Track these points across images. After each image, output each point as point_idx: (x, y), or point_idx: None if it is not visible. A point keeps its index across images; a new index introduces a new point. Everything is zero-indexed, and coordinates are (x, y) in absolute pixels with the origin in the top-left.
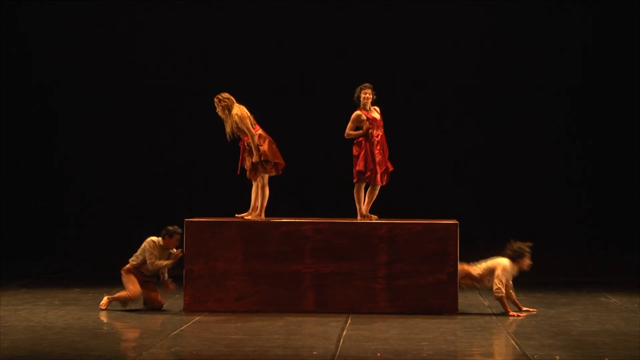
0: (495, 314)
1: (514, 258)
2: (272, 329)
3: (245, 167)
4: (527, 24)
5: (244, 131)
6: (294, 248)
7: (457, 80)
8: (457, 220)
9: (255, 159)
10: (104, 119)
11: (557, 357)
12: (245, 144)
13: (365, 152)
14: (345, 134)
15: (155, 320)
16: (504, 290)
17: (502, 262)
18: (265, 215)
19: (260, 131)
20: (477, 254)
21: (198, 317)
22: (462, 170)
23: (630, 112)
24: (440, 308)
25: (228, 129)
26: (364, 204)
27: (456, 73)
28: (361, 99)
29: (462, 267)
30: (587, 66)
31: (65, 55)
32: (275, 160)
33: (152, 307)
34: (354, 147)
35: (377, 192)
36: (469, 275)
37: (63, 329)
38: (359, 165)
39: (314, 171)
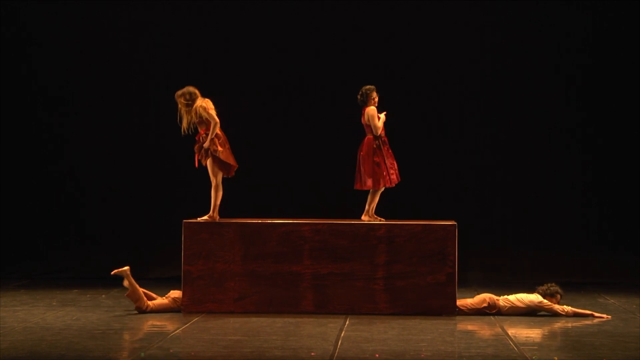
0: (494, 315)
1: (544, 295)
2: (271, 330)
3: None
4: (530, 24)
5: (203, 123)
6: (292, 249)
7: (455, 80)
8: (458, 221)
9: (206, 144)
10: (103, 119)
11: (556, 358)
12: (202, 137)
13: (382, 158)
14: (376, 132)
15: (154, 321)
16: (564, 308)
17: (534, 295)
18: (263, 217)
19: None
20: (476, 255)
21: (196, 318)
22: (461, 170)
23: (634, 113)
24: (439, 309)
25: (185, 124)
26: (371, 206)
27: (455, 73)
28: (370, 100)
29: (489, 296)
30: (585, 66)
31: (61, 55)
32: (228, 162)
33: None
34: (368, 155)
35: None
36: (493, 304)
37: (61, 329)
38: (380, 175)
39: (312, 172)
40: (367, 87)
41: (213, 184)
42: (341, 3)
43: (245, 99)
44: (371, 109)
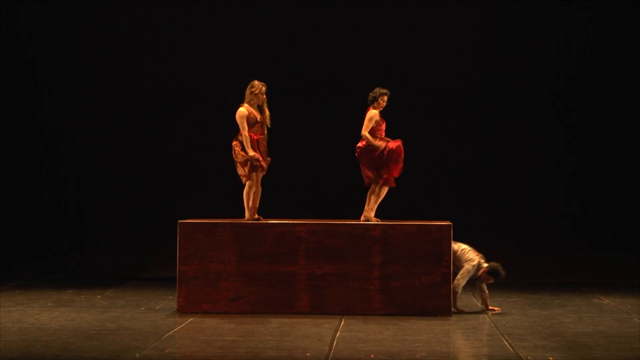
0: (488, 315)
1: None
2: (266, 331)
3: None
4: (524, 26)
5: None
6: (288, 249)
7: (456, 80)
8: (453, 221)
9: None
10: (102, 120)
11: (551, 358)
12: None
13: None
14: (363, 135)
15: (149, 322)
16: (459, 286)
17: (472, 262)
18: (265, 217)
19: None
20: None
21: (192, 319)
22: (457, 172)
23: (629, 115)
24: (434, 309)
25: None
26: (373, 205)
27: (453, 74)
28: (379, 103)
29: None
30: (585, 66)
31: (61, 55)
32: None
33: None
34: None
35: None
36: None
37: (56, 330)
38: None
39: (309, 172)
40: (382, 90)
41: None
42: (341, 3)
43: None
44: (370, 112)
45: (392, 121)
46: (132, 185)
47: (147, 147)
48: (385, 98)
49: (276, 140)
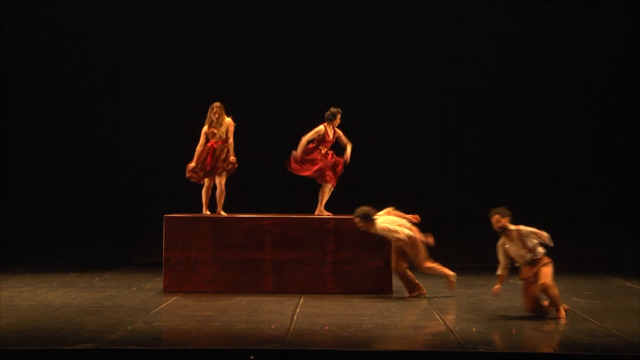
0: (424, 294)
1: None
2: (237, 307)
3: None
4: (513, 23)
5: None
6: (256, 239)
7: (455, 80)
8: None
9: (233, 159)
10: (101, 120)
11: (474, 329)
12: (219, 147)
13: (326, 160)
14: (303, 140)
15: (139, 300)
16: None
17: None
18: (231, 211)
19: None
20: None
21: (175, 297)
22: (462, 169)
23: (624, 111)
24: (378, 289)
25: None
26: (321, 201)
27: (455, 74)
28: (336, 120)
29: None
30: (572, 59)
31: (48, 55)
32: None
33: None
34: (315, 154)
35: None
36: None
37: (61, 307)
38: (325, 170)
39: (275, 170)
40: (337, 109)
41: (223, 188)
42: (341, 4)
43: (243, 99)
44: (319, 127)
45: (389, 119)
46: (127, 183)
47: (144, 148)
48: (339, 116)
49: (274, 140)
